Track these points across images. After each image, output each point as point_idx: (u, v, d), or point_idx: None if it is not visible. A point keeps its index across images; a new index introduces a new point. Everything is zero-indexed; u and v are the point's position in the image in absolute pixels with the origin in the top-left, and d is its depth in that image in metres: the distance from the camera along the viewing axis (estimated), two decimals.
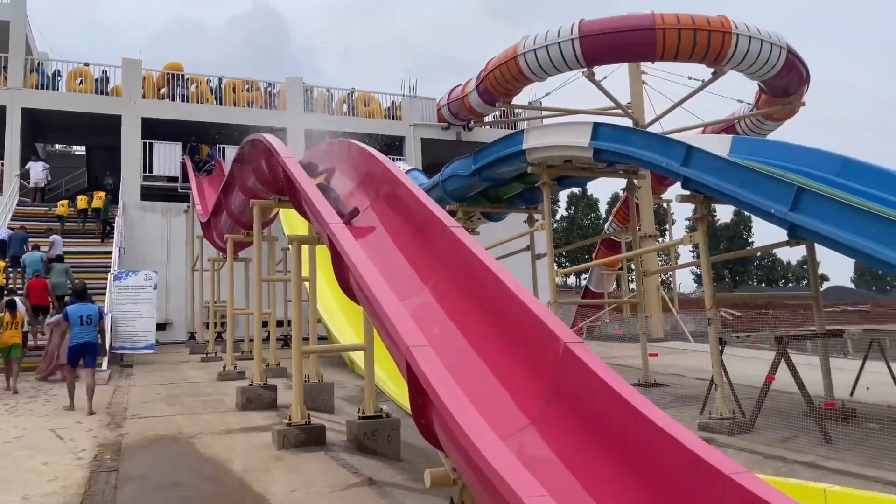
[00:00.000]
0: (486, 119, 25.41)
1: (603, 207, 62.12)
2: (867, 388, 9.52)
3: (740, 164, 8.40)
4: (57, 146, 31.29)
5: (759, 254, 60.88)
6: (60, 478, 6.11)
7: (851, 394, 9.66)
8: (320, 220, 5.98)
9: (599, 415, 4.06)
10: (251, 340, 14.24)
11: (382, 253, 6.46)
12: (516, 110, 24.60)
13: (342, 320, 14.70)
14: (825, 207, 7.15)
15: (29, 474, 6.22)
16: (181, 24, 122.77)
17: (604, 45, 17.20)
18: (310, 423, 7.34)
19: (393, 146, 26.02)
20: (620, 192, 34.77)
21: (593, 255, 29.65)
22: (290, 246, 7.78)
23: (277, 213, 13.29)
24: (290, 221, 17.57)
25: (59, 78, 23.02)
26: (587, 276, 30.18)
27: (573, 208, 63.90)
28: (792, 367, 8.22)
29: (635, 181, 14.22)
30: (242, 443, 7.42)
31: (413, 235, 6.59)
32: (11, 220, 18.86)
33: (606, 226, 28.46)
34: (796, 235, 7.79)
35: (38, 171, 21.20)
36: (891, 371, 9.84)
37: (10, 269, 15.51)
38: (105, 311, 14.53)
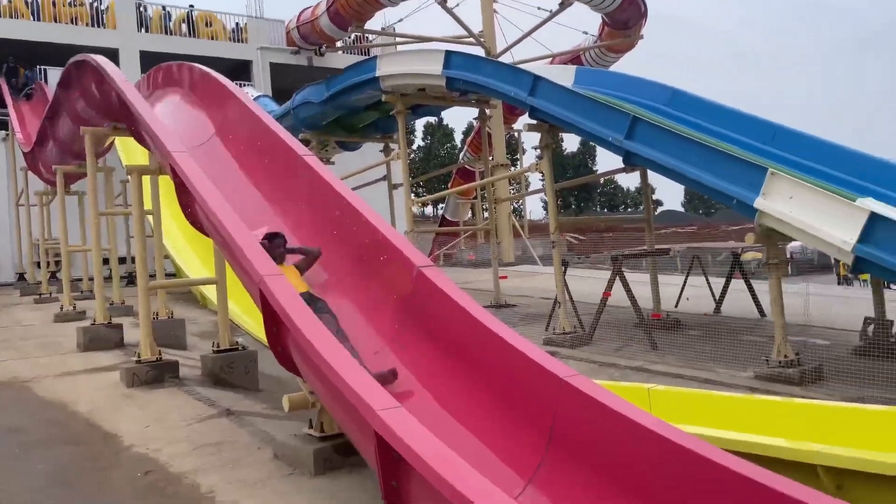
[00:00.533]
0: (339, 45, 24.70)
1: (459, 137, 62.94)
2: (687, 300, 10.63)
3: (582, 94, 8.86)
4: None
5: (602, 181, 64.62)
6: None
7: (676, 305, 10.76)
8: (162, 149, 5.69)
9: (450, 331, 4.32)
10: (91, 279, 13.37)
11: (231, 183, 6.28)
12: (369, 36, 24.07)
13: (191, 255, 14.14)
14: (656, 136, 7.76)
15: None
16: None
17: None
18: (161, 359, 7.15)
19: (239, 71, 24.69)
20: (475, 122, 35.39)
21: (449, 185, 30.21)
22: (129, 177, 7.33)
23: (113, 141, 12.38)
24: (129, 150, 16.40)
25: None
26: (444, 205, 30.80)
27: (429, 138, 64.25)
28: (625, 284, 9.01)
29: (487, 111, 14.54)
30: (87, 384, 7.10)
31: (264, 165, 6.43)
32: None
33: (461, 155, 28.99)
34: (631, 162, 8.43)
35: None
36: (709, 283, 11.03)
37: None
38: None
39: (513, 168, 29.24)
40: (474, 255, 21.96)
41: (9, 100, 19.49)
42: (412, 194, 14.47)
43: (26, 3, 21.85)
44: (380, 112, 14.00)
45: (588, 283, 12.53)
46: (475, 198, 26.22)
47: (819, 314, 9.42)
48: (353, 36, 24.51)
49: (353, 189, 17.16)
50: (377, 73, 11.74)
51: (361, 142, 16.51)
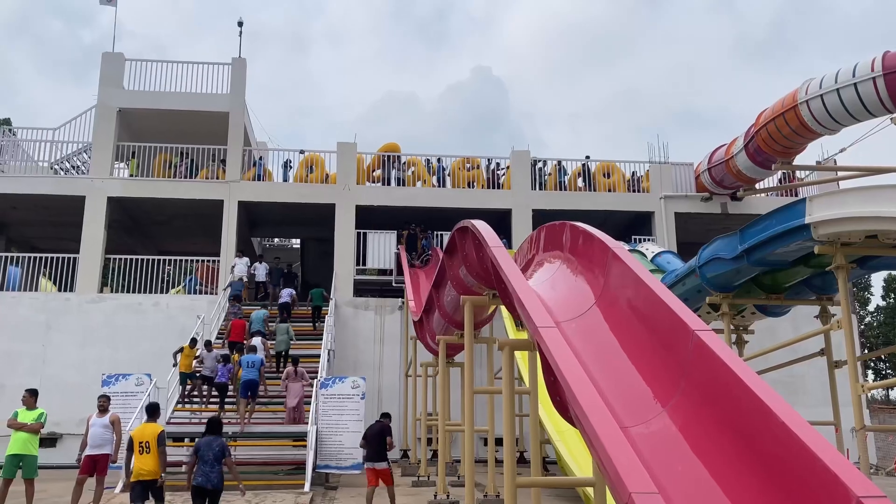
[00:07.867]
0: (760, 185, 24.12)
1: None
2: None
3: None
4: (275, 240, 35.11)
5: None
6: None
7: None
8: (528, 321, 5.89)
9: None
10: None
11: (608, 364, 6.17)
12: (800, 172, 23.09)
13: (574, 441, 14.29)
14: None
15: None
16: (395, 98, 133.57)
17: None
18: None
19: (639, 224, 25.52)
20: None
21: None
22: (500, 352, 7.75)
23: (494, 311, 13.50)
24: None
25: (289, 168, 26.03)
26: None
27: (893, 296, 57.50)
28: None
29: None
30: None
31: (650, 342, 6.21)
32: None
33: None
34: None
35: (241, 269, 23.14)
36: None
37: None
38: (309, 423, 15.54)
39: None
40: None
41: (406, 268, 22.90)
42: (865, 374, 12.70)
43: (429, 170, 26.11)
44: (812, 267, 12.91)
45: None
46: None
47: None
48: (778, 174, 23.74)
49: (782, 366, 15.78)
50: (807, 220, 10.94)
51: (789, 305, 15.33)
